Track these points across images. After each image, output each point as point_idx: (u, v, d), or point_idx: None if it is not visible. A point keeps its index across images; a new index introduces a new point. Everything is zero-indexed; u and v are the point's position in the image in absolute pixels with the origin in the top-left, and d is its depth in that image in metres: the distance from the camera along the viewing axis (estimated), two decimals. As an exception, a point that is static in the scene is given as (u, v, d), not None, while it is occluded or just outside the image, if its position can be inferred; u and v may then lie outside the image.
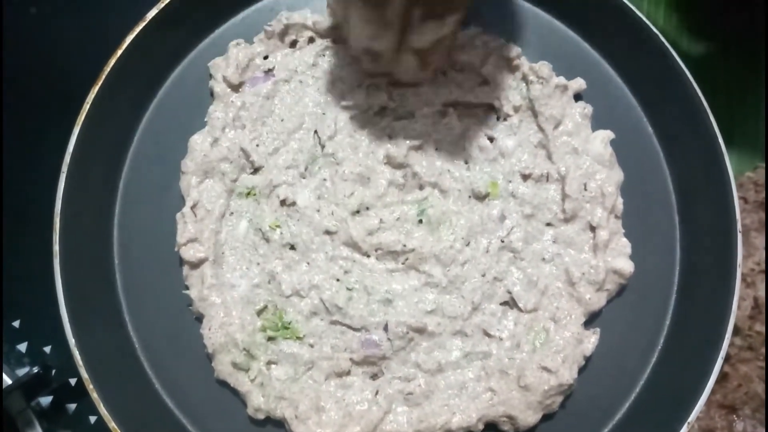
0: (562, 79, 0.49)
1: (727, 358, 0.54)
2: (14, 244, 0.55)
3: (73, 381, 0.53)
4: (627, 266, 0.46)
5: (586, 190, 0.47)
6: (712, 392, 0.53)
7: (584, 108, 0.49)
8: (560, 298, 0.46)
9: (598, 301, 0.46)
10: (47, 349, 0.54)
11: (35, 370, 0.52)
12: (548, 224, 0.47)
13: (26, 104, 0.57)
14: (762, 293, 0.55)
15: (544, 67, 0.48)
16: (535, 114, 0.48)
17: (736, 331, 0.54)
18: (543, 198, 0.47)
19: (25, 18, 0.59)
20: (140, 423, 0.43)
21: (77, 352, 0.42)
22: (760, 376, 0.54)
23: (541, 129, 0.48)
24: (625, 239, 0.47)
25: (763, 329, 0.54)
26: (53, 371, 0.53)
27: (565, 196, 0.47)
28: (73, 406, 0.53)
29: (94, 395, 0.41)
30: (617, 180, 0.48)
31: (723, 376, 0.54)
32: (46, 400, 0.53)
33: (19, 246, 0.55)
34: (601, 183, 0.47)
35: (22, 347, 0.54)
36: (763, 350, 0.54)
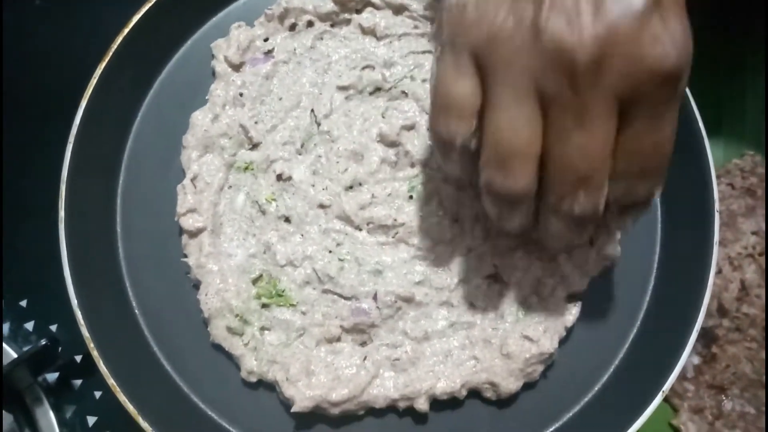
0: None
1: (716, 340, 0.56)
2: (22, 225, 0.57)
3: (78, 358, 0.55)
4: (614, 252, 0.48)
5: None
6: (701, 373, 0.55)
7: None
8: (545, 273, 0.47)
9: (580, 280, 0.47)
10: (53, 327, 0.56)
11: (43, 342, 0.54)
12: None
13: (33, 83, 0.60)
14: (749, 276, 0.56)
15: None
16: None
17: (724, 312, 0.56)
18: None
19: (31, 10, 0.62)
20: (137, 382, 0.44)
21: (79, 313, 0.44)
22: (748, 356, 0.56)
23: None
24: None
25: (750, 311, 0.56)
26: (60, 348, 0.55)
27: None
28: (78, 382, 0.55)
29: (95, 353, 0.43)
30: None
31: (712, 357, 0.56)
32: (52, 377, 0.55)
33: (27, 227, 0.57)
34: None
35: (29, 326, 0.56)
36: (751, 331, 0.56)
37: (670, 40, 0.30)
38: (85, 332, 0.43)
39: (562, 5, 0.29)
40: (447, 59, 0.33)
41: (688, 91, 0.48)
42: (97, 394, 0.54)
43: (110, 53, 0.48)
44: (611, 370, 0.47)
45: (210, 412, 0.46)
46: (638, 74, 0.30)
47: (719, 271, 0.57)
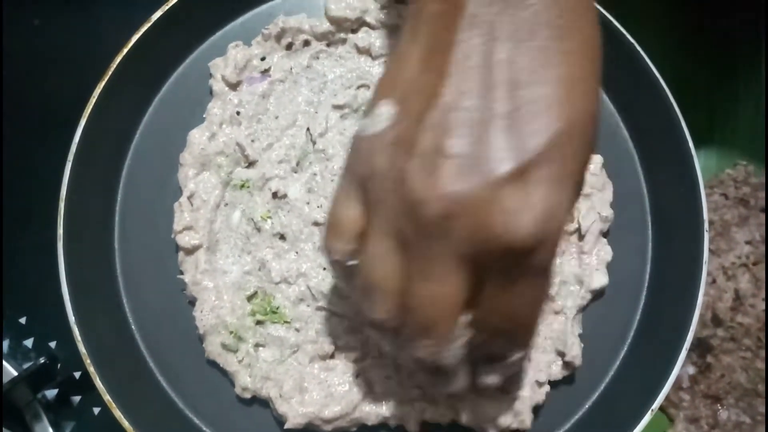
0: None
1: (711, 349, 0.56)
2: (22, 244, 0.58)
3: (77, 374, 0.56)
4: (603, 281, 0.48)
5: None
6: (697, 382, 0.56)
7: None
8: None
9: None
10: (53, 344, 0.56)
11: (42, 360, 0.55)
12: None
13: (32, 102, 0.61)
14: (743, 285, 0.57)
15: None
16: None
17: (719, 322, 0.57)
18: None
19: (28, 29, 0.63)
20: (133, 398, 0.45)
21: (77, 330, 0.44)
22: (743, 366, 0.56)
23: None
24: (608, 246, 0.49)
25: (744, 320, 0.56)
26: (59, 365, 0.56)
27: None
28: (77, 399, 0.55)
29: (91, 369, 0.43)
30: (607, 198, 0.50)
31: (707, 367, 0.56)
32: (51, 393, 0.55)
33: (26, 245, 0.58)
34: None
35: (29, 343, 0.57)
36: (745, 341, 0.56)
37: (526, 212, 0.28)
38: (82, 349, 0.44)
39: (425, 159, 0.29)
40: (342, 182, 0.35)
41: (676, 106, 0.49)
42: (96, 410, 0.55)
43: (109, 72, 0.49)
44: (601, 388, 0.48)
45: (205, 428, 0.47)
46: (482, 242, 0.29)
47: (713, 281, 0.58)
